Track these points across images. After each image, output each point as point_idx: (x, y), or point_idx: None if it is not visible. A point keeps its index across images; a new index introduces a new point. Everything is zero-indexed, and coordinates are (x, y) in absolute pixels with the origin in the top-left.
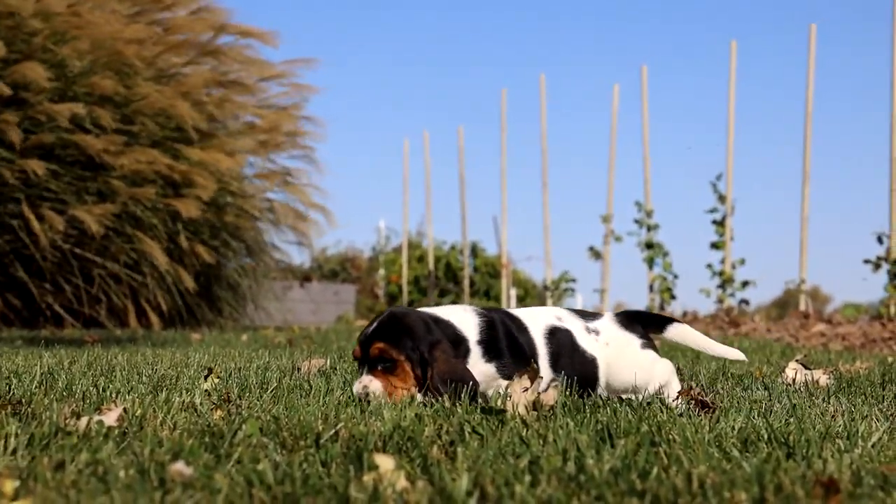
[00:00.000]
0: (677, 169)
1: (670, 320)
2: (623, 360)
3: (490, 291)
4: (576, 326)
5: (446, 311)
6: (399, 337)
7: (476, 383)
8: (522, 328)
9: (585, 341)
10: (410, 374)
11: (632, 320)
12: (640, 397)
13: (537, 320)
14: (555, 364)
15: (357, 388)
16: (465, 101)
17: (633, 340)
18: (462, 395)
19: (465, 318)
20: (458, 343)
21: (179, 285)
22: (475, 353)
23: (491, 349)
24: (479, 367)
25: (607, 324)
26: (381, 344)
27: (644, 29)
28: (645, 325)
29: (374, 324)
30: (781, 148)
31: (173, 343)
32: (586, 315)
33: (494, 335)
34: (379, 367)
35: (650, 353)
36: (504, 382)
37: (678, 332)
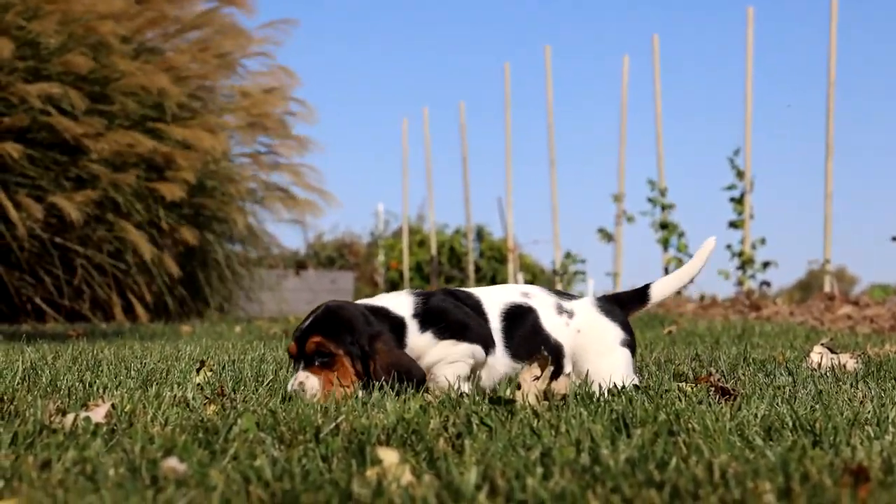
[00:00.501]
0: (692, 144)
1: (646, 286)
2: (594, 350)
3: (497, 276)
4: (544, 304)
5: (382, 298)
6: (337, 330)
7: (422, 373)
8: (473, 303)
9: (552, 323)
10: (350, 369)
11: (611, 303)
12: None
13: (495, 296)
14: (509, 345)
15: (292, 384)
16: (467, 77)
17: (610, 331)
18: (407, 385)
19: (399, 300)
20: (394, 325)
21: (165, 276)
22: (411, 327)
23: (427, 321)
24: (416, 339)
25: (584, 307)
26: (317, 337)
27: None
28: (625, 305)
29: (310, 318)
30: (803, 120)
31: (162, 336)
32: (563, 295)
33: (431, 308)
34: (316, 363)
35: (627, 354)
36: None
37: (660, 290)
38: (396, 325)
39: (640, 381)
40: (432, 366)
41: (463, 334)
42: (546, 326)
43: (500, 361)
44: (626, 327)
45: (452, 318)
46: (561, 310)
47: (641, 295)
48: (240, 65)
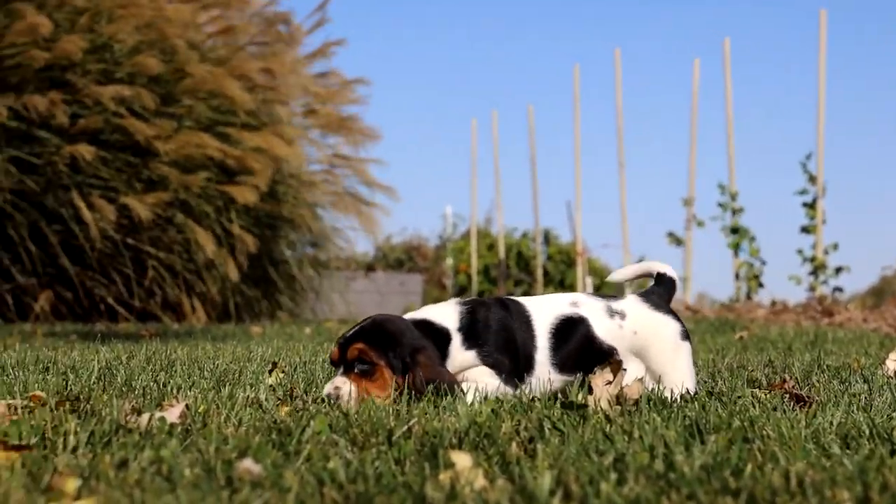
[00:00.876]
0: (764, 148)
1: (660, 274)
2: (655, 348)
3: (565, 280)
4: (594, 311)
5: (424, 311)
6: (381, 341)
7: (461, 391)
8: (524, 318)
9: (604, 329)
10: (390, 381)
11: (656, 296)
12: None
13: (545, 309)
14: (559, 360)
15: (328, 388)
16: (535, 79)
17: (668, 327)
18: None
19: (446, 311)
20: (438, 336)
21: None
22: (455, 340)
23: (472, 337)
24: (458, 354)
25: (634, 305)
26: (360, 345)
27: None
28: (664, 296)
29: (356, 328)
30: (876, 124)
31: (233, 337)
32: (610, 297)
33: (478, 324)
34: (356, 370)
35: (688, 347)
36: (486, 369)
37: (669, 271)
38: (441, 337)
39: (703, 382)
40: (463, 373)
41: (501, 370)
42: (599, 334)
43: (546, 379)
44: (678, 318)
45: (497, 347)
46: (612, 313)
47: (667, 281)
48: (303, 66)
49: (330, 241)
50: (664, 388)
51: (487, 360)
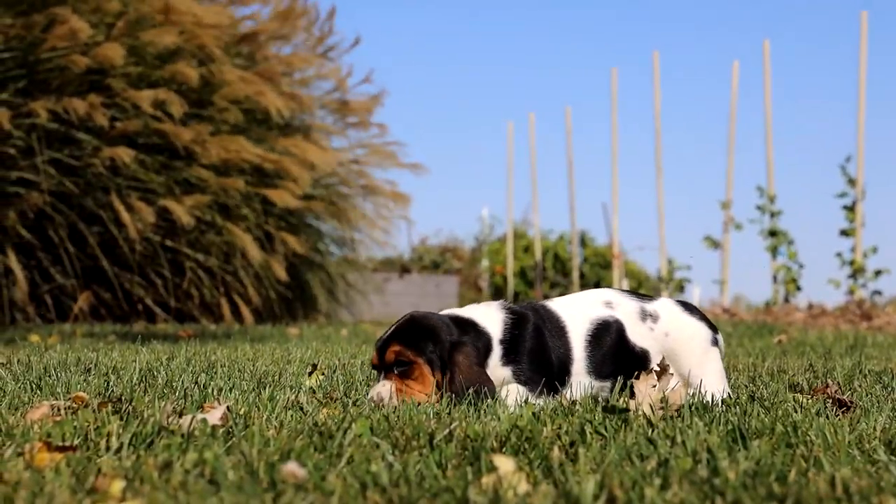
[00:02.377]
0: (803, 151)
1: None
2: (685, 351)
3: (601, 283)
4: (627, 313)
5: (470, 310)
6: (418, 339)
7: (496, 393)
8: (558, 328)
9: (636, 332)
10: (430, 377)
11: (687, 302)
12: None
13: (580, 314)
14: (593, 366)
15: (370, 393)
16: (573, 81)
17: (699, 331)
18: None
19: (490, 316)
20: (482, 342)
21: (272, 279)
22: (496, 353)
23: (512, 352)
24: (496, 367)
25: (667, 307)
26: (397, 347)
27: (765, 0)
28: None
29: (392, 328)
30: None
31: (271, 338)
32: (644, 297)
33: (519, 340)
34: (395, 372)
35: (717, 354)
36: (519, 387)
37: None
38: (484, 344)
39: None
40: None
41: (537, 392)
42: (631, 338)
43: (582, 385)
44: (711, 324)
45: (535, 367)
46: (644, 315)
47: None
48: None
49: (371, 233)
50: (699, 391)
51: (521, 378)
